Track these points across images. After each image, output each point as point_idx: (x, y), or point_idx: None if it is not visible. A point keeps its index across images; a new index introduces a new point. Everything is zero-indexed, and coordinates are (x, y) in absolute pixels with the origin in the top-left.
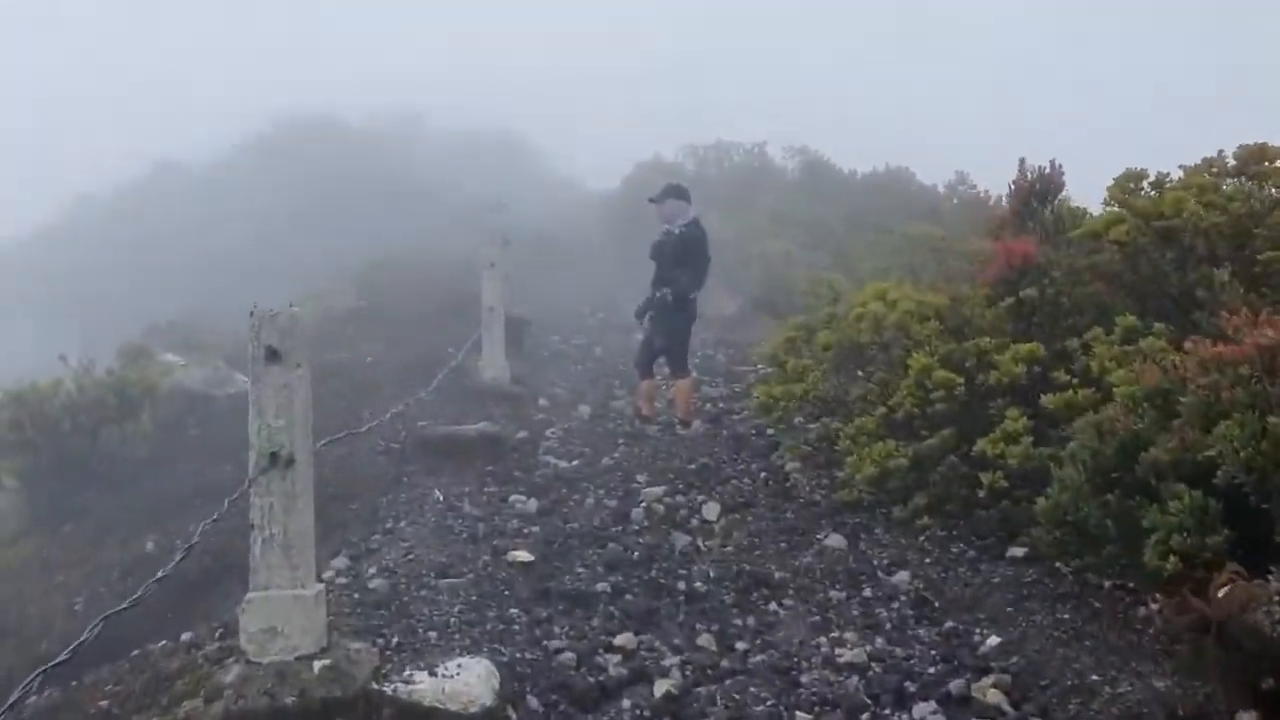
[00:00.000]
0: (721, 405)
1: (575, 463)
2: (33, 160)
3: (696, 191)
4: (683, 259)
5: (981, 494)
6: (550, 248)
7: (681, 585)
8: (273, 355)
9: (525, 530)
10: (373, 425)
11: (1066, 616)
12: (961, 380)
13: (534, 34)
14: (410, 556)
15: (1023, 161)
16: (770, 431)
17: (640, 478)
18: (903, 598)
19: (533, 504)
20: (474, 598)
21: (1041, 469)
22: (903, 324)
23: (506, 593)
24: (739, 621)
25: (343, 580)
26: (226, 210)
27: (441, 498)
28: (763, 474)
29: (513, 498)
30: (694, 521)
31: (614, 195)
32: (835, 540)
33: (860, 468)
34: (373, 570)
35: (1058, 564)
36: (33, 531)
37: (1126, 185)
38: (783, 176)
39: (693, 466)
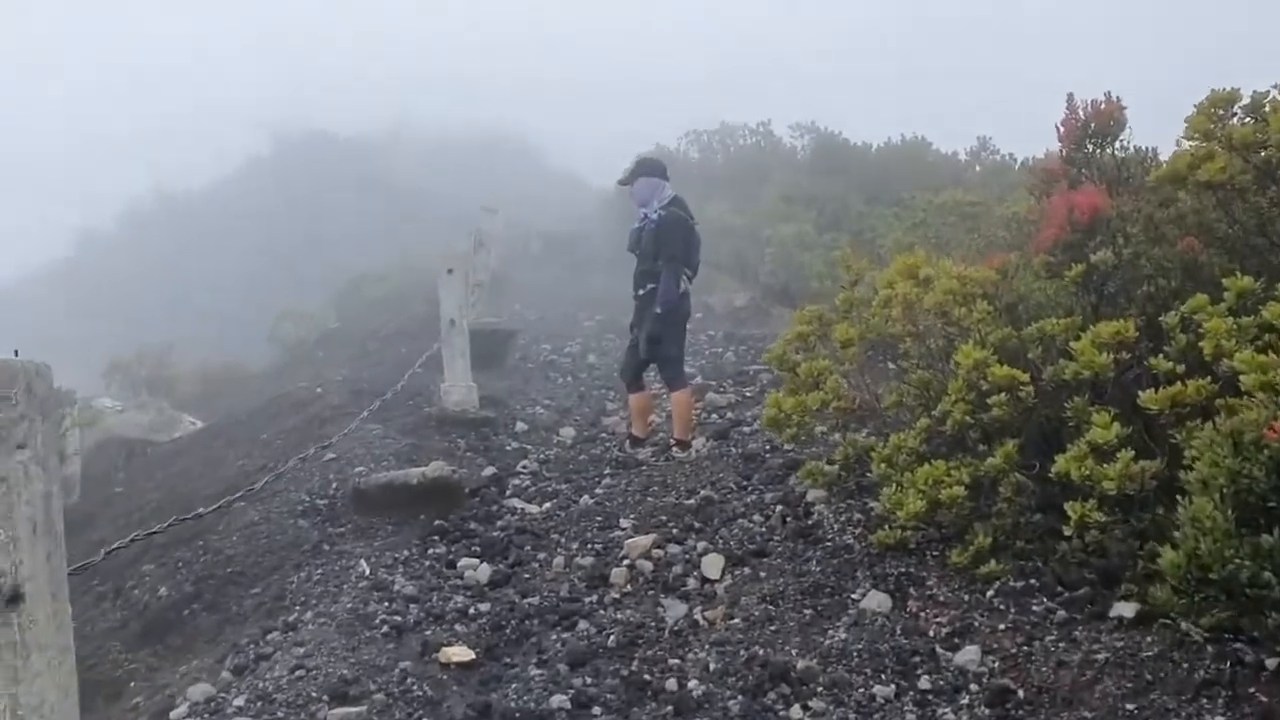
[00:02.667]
0: (730, 415)
1: (547, 506)
2: (35, 196)
3: (702, 179)
4: (666, 247)
5: (1067, 529)
6: (547, 248)
7: (671, 684)
8: None
9: (471, 610)
10: (283, 475)
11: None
12: (1027, 376)
13: (530, 29)
14: (301, 671)
15: (1071, 98)
16: (788, 448)
17: (625, 522)
18: (974, 688)
19: (485, 571)
20: None
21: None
22: (943, 307)
23: None
24: None
25: None
26: (222, 235)
27: (368, 571)
28: (778, 507)
29: (462, 562)
30: (691, 582)
31: (613, 190)
32: (875, 600)
33: (902, 501)
34: (241, 701)
35: (1186, 626)
36: None
37: (1213, 113)
38: (793, 156)
39: (691, 502)
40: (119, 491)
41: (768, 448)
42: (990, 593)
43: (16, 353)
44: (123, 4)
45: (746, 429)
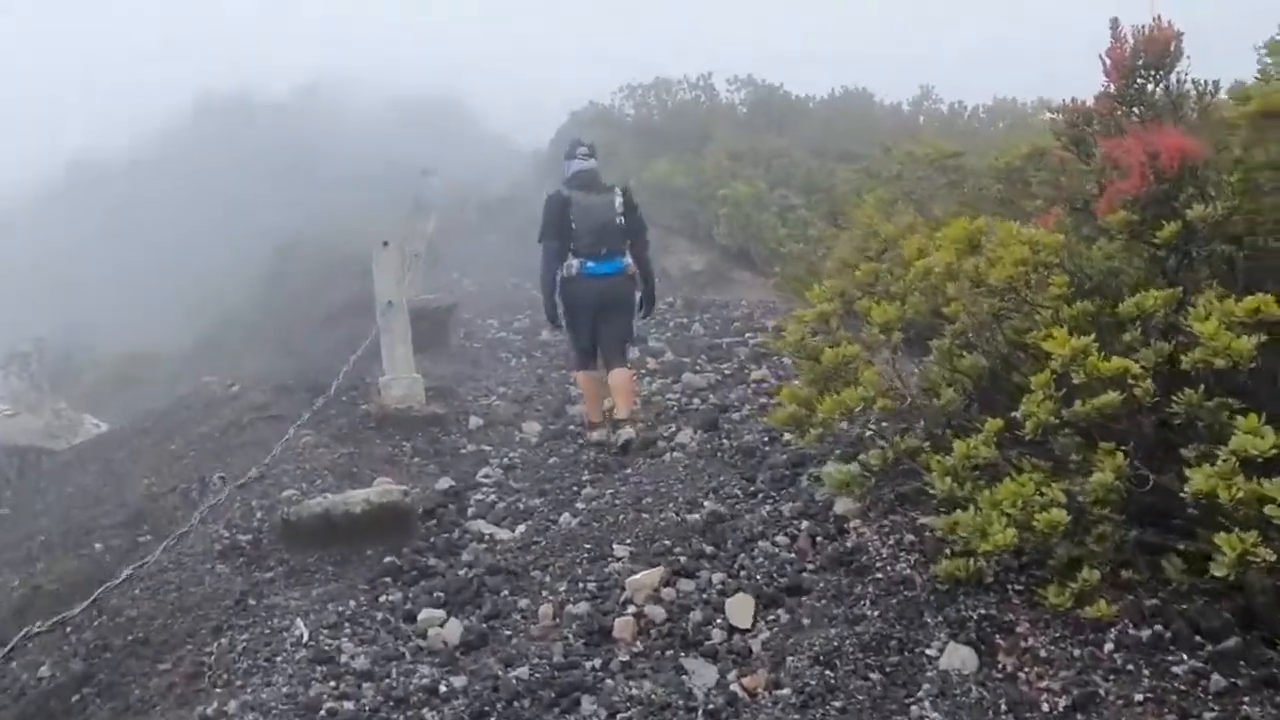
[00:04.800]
0: (714, 400)
1: (520, 529)
2: None
3: (640, 137)
4: None
5: (1219, 568)
6: (483, 214)
7: None
8: None
9: (442, 688)
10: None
11: None
12: (1140, 369)
13: None
14: None
15: (1116, 23)
16: (788, 438)
17: (620, 548)
18: None
19: (454, 628)
20: None
21: None
22: (1014, 282)
23: None
24: None
25: None
26: (138, 209)
27: (306, 635)
28: (803, 523)
29: (424, 615)
30: (716, 632)
31: (549, 148)
32: (958, 658)
33: (984, 527)
34: None
35: None
36: None
37: None
38: (734, 112)
39: (696, 517)
40: (4, 515)
41: (765, 439)
42: (1109, 646)
43: None
44: None
45: (735, 415)
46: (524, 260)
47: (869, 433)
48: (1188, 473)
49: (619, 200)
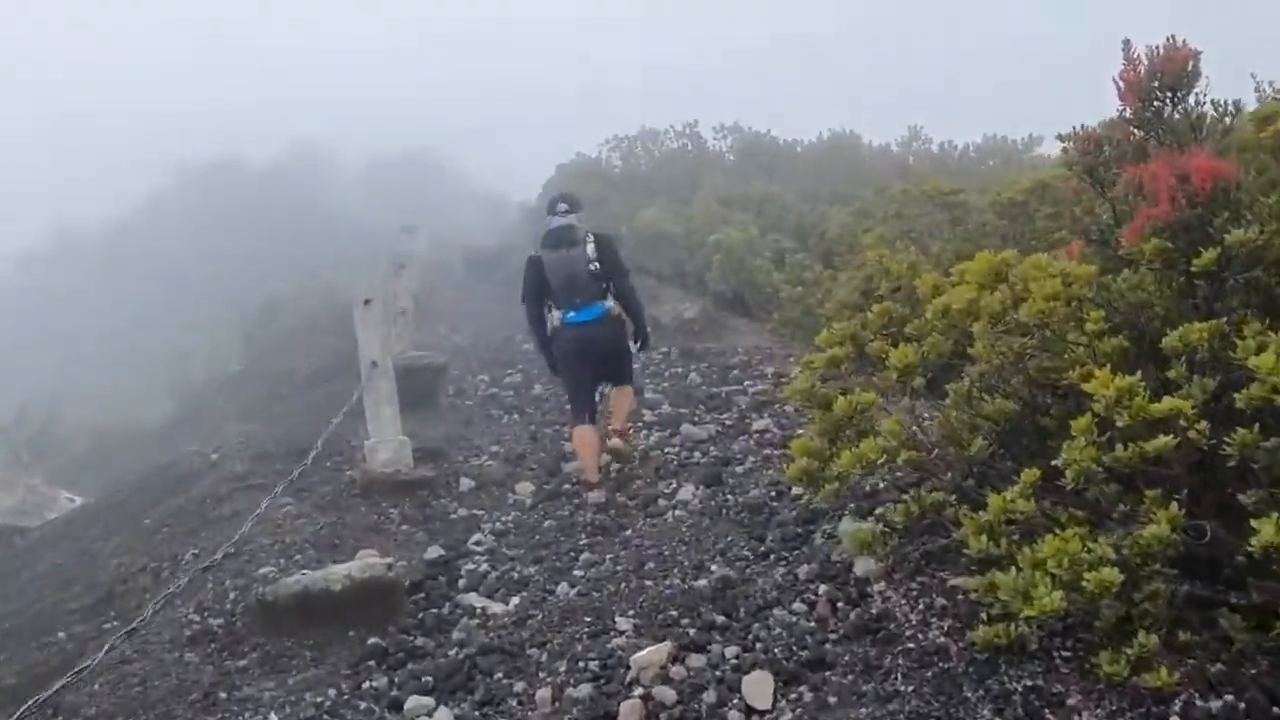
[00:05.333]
0: (715, 452)
1: (515, 601)
2: None
3: (629, 187)
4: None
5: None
6: (471, 267)
7: None
8: None
9: None
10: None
11: None
12: (1190, 407)
13: (447, 46)
14: None
15: (1128, 44)
16: (797, 491)
17: (623, 621)
18: None
19: (444, 717)
20: None
21: None
22: (1046, 318)
23: None
24: None
25: None
26: (123, 274)
27: None
28: (821, 587)
29: (410, 704)
30: (733, 716)
31: (536, 202)
32: None
33: (1033, 591)
34: None
35: None
36: None
37: None
38: (720, 159)
39: (704, 584)
40: None
41: (773, 494)
42: (1174, 719)
43: None
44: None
45: (739, 468)
46: (514, 313)
47: (883, 483)
48: (1255, 523)
49: (590, 248)
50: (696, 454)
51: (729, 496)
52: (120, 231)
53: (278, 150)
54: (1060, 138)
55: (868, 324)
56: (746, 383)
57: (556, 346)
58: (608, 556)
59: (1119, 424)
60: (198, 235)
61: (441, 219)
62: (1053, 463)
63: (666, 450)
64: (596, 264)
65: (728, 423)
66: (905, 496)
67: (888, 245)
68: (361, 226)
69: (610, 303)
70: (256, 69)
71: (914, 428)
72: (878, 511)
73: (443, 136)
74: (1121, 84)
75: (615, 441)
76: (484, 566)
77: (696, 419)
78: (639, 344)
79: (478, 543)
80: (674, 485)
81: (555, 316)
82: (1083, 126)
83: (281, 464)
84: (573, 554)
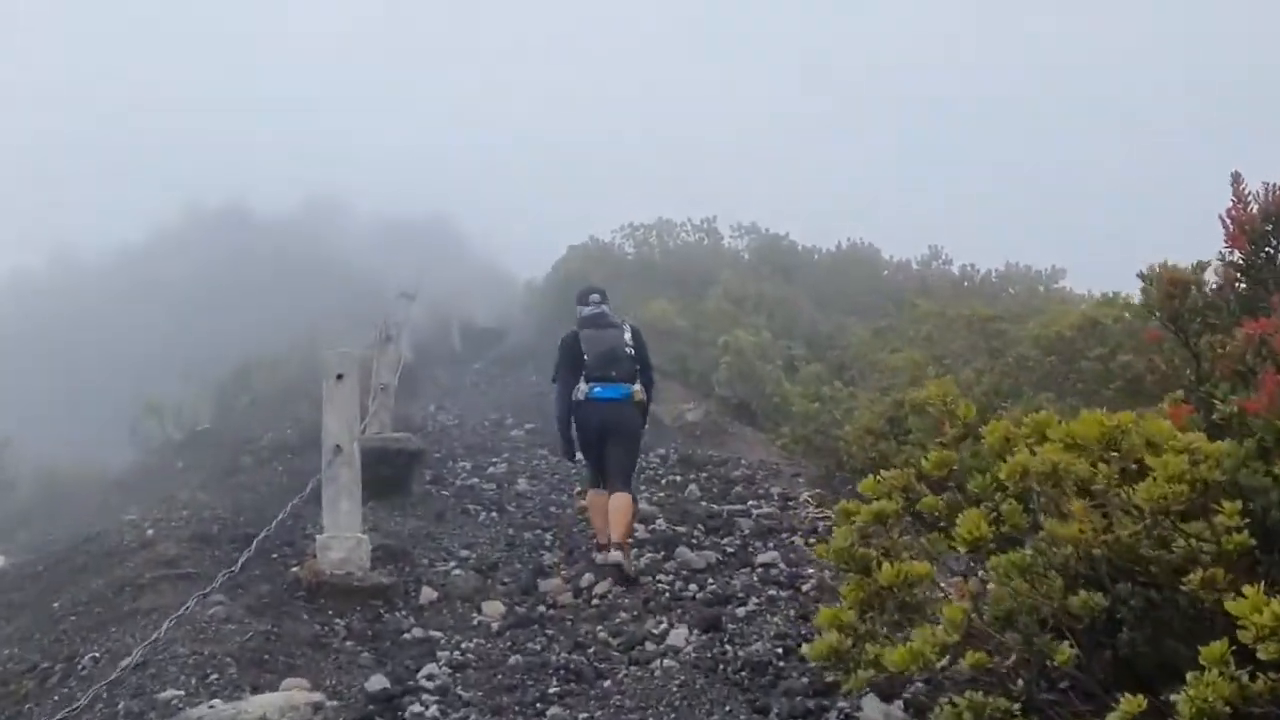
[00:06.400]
0: (713, 586)
1: None
2: None
3: (640, 277)
4: None
5: None
6: (469, 342)
7: None
8: None
9: None
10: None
11: None
12: None
13: (466, 110)
14: None
15: (1238, 178)
16: (820, 666)
17: None
18: None
19: None
20: None
21: None
22: (1168, 506)
23: None
24: None
25: None
26: (115, 313)
27: None
28: None
29: None
30: None
31: (544, 282)
32: None
33: None
34: None
35: None
36: None
37: None
38: (737, 258)
39: None
40: None
41: (779, 649)
42: None
43: None
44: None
45: (740, 610)
46: (508, 395)
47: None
48: None
49: (628, 334)
50: (693, 586)
51: (728, 647)
52: (117, 268)
53: (290, 198)
54: (1141, 276)
55: (924, 472)
56: (750, 502)
57: (577, 417)
58: (580, 716)
59: (1262, 655)
60: (196, 278)
61: (444, 287)
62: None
63: (659, 578)
64: (632, 349)
65: (729, 550)
66: (956, 701)
67: (918, 369)
68: (366, 287)
69: (637, 386)
70: (278, 106)
71: (974, 614)
72: (908, 694)
73: (456, 203)
74: (1230, 223)
75: (615, 555)
76: (432, 711)
77: (695, 542)
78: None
79: (430, 676)
80: (665, 624)
81: (582, 389)
82: (1165, 264)
83: (221, 550)
84: (539, 705)
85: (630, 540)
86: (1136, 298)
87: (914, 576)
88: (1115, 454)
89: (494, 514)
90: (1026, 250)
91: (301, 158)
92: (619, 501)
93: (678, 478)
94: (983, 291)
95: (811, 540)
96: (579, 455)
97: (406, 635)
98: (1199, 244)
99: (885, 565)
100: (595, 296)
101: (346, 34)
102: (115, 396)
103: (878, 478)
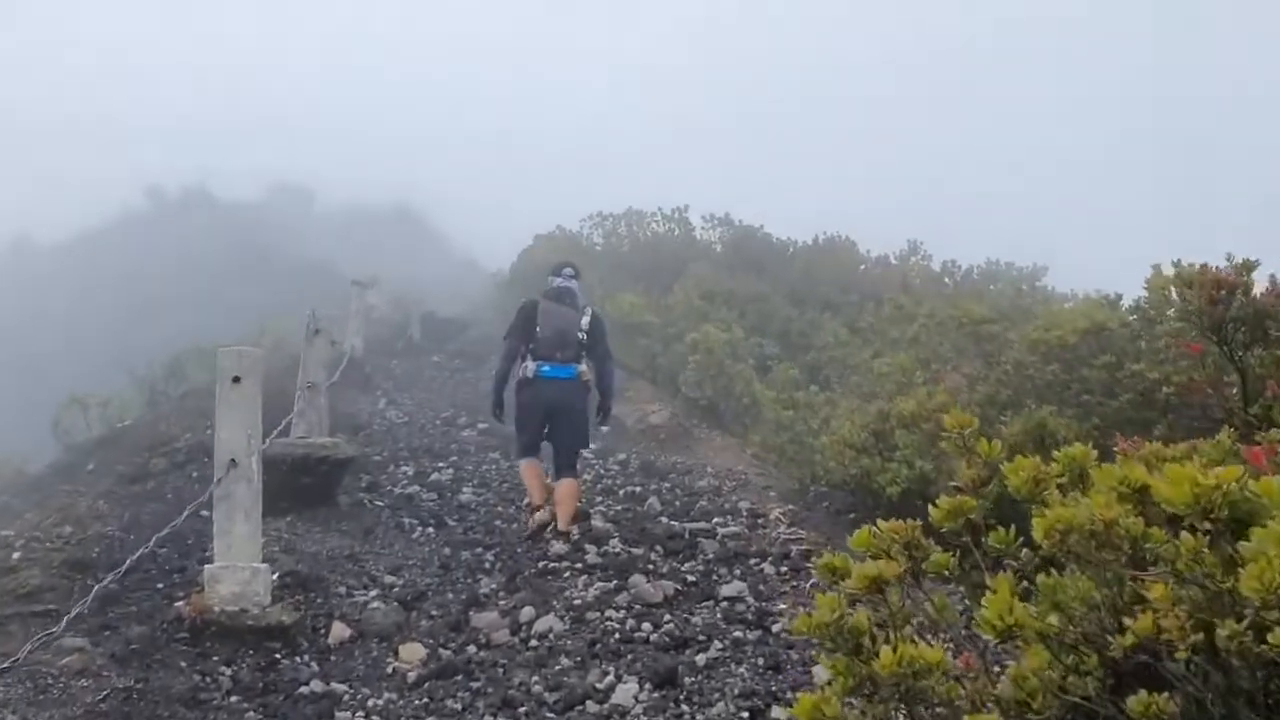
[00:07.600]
0: (670, 624)
1: None
2: None
3: (608, 267)
4: None
5: None
6: (428, 333)
7: None
8: None
9: None
10: None
11: None
12: None
13: (434, 95)
14: None
15: None
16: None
17: None
18: None
19: None
20: None
21: None
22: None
23: None
24: None
25: None
26: (66, 296)
27: None
28: None
29: None
30: None
31: (508, 271)
32: None
33: None
34: None
35: None
36: None
37: None
38: (709, 250)
39: None
40: None
41: (744, 713)
42: None
43: None
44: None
45: (700, 657)
46: (463, 390)
47: None
48: None
49: (586, 318)
50: (646, 625)
51: (684, 708)
52: (68, 253)
53: (253, 182)
54: (1178, 277)
55: (935, 522)
56: (716, 519)
57: (521, 395)
58: None
59: None
60: (152, 264)
61: (405, 276)
62: None
63: (608, 614)
64: (584, 334)
65: (690, 579)
66: None
67: (905, 375)
68: (328, 275)
69: (584, 367)
70: (248, 87)
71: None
72: None
73: (423, 193)
74: None
75: (544, 515)
76: None
77: (652, 568)
78: (599, 418)
79: None
80: (611, 676)
81: (529, 367)
82: (1204, 265)
83: (98, 578)
84: None
85: (578, 520)
86: (1133, 298)
87: (923, 665)
88: (1209, 520)
89: (431, 529)
90: (1000, 247)
91: (264, 142)
92: (566, 490)
93: (638, 488)
94: (965, 289)
95: (784, 569)
96: (514, 430)
97: (304, 689)
98: (1189, 243)
99: (885, 652)
100: (568, 270)
101: (323, 32)
102: (54, 388)
103: (873, 529)
